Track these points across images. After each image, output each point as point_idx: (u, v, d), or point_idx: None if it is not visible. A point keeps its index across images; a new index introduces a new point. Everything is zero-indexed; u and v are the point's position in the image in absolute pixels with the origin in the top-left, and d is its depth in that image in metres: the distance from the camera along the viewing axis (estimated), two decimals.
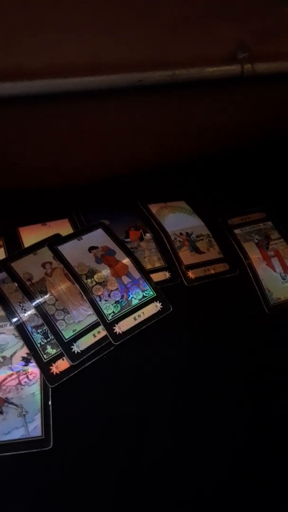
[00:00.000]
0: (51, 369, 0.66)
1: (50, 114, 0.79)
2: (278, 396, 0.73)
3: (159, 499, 0.64)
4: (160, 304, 0.75)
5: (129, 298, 0.74)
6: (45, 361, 0.66)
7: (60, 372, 0.66)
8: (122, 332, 0.71)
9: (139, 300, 0.74)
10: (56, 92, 0.73)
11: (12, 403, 0.63)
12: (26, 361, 0.66)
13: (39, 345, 0.67)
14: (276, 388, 0.74)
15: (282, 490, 0.68)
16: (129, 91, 0.78)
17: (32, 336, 0.68)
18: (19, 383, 0.64)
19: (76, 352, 0.68)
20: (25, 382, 0.65)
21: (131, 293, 0.75)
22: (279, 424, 0.71)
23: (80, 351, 0.68)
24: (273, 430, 0.71)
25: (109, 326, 0.71)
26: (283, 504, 0.67)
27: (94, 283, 0.74)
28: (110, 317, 0.71)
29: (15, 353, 0.67)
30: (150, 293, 0.76)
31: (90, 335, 0.70)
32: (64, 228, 0.82)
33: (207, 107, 0.91)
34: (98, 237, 0.81)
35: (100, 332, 0.70)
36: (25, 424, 0.62)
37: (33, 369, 0.66)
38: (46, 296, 0.71)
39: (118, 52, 0.75)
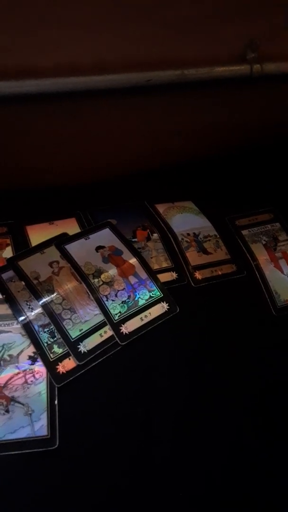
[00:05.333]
0: (57, 368, 0.66)
1: (57, 113, 0.79)
2: (285, 397, 0.73)
3: (164, 498, 0.64)
4: (167, 304, 0.74)
5: (136, 298, 0.74)
6: (51, 360, 0.66)
7: (66, 371, 0.66)
8: (129, 332, 0.70)
9: (146, 300, 0.74)
10: (63, 91, 0.72)
11: (18, 402, 0.63)
12: (32, 360, 0.66)
13: (45, 344, 0.67)
14: (283, 389, 0.74)
15: (283, 488, 0.68)
16: (137, 91, 0.78)
17: (38, 335, 0.68)
18: (26, 382, 0.64)
19: (82, 351, 0.67)
20: (32, 381, 0.65)
21: (138, 293, 0.74)
22: (285, 426, 0.71)
23: (87, 350, 0.68)
24: (279, 432, 0.71)
25: (116, 326, 0.70)
26: (284, 497, 0.67)
27: (101, 282, 0.74)
28: (116, 317, 0.71)
29: (21, 351, 0.67)
30: (157, 293, 0.75)
31: (96, 334, 0.70)
32: (71, 227, 0.82)
33: (216, 107, 0.91)
34: (105, 236, 0.81)
35: (107, 332, 0.70)
36: (31, 423, 0.62)
37: (40, 368, 0.66)
38: (53, 295, 0.71)
39: (126, 51, 0.75)
